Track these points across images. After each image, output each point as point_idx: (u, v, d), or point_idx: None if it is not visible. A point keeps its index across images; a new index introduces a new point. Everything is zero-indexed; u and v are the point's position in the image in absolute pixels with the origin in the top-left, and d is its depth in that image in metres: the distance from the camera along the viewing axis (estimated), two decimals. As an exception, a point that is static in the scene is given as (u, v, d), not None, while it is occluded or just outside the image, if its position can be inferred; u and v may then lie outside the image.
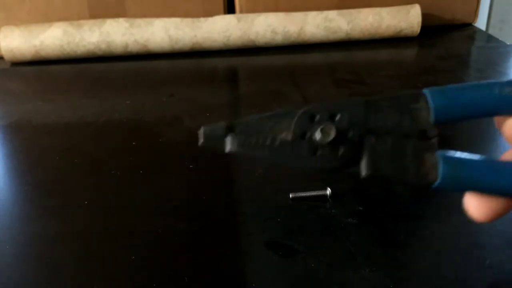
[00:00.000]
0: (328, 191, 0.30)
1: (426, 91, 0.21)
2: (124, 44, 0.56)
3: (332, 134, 0.20)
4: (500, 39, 0.61)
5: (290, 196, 0.30)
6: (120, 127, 0.42)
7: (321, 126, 0.20)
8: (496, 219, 0.20)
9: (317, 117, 0.21)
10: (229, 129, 0.22)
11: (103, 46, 0.55)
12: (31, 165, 0.37)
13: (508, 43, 0.59)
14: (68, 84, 0.52)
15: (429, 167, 0.20)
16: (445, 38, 0.61)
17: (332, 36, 0.58)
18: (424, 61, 0.56)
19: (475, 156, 0.20)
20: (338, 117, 0.20)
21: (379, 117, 0.20)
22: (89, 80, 0.53)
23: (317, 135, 0.20)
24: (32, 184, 0.34)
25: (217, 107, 0.45)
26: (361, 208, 0.29)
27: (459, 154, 0.20)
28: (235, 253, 0.27)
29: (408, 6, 0.59)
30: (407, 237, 0.27)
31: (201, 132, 0.22)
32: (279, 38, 0.57)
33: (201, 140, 0.22)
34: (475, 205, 0.20)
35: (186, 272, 0.25)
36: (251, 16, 0.57)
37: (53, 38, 0.55)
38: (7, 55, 0.55)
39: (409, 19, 0.58)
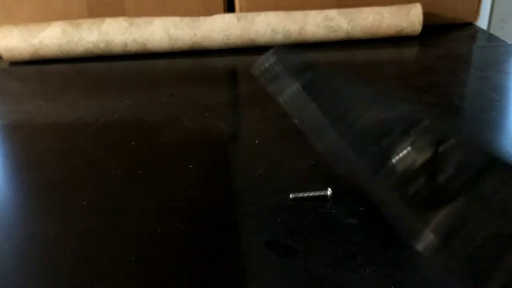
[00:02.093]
0: (329, 191, 0.30)
1: None
2: (123, 43, 0.55)
3: (414, 165, 0.15)
4: (501, 38, 0.61)
5: (291, 196, 0.30)
6: (119, 127, 0.42)
7: (403, 148, 0.15)
8: None
9: (413, 131, 0.15)
10: (299, 74, 0.17)
11: (102, 46, 0.55)
12: (30, 165, 0.37)
13: (509, 42, 0.59)
14: (67, 84, 0.52)
15: None
16: (446, 37, 0.61)
17: (333, 35, 0.58)
18: (425, 60, 0.56)
19: None
20: (445, 149, 0.15)
21: (497, 189, 0.15)
22: (88, 79, 0.53)
23: (399, 154, 0.15)
24: (31, 184, 0.34)
25: (217, 107, 0.44)
26: (361, 208, 0.29)
27: None
28: (235, 253, 0.26)
29: (409, 5, 0.58)
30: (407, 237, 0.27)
31: (272, 53, 0.17)
32: (279, 37, 0.57)
33: (259, 67, 0.17)
34: None
35: (186, 272, 0.25)
36: (251, 15, 0.57)
37: (52, 37, 0.54)
38: (5, 55, 0.55)
39: (410, 18, 0.58)
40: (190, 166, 0.35)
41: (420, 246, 0.14)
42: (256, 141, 0.38)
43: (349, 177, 0.15)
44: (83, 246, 0.28)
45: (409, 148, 0.15)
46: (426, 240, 0.14)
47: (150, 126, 0.41)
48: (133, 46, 0.56)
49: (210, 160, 0.36)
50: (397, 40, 0.59)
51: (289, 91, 0.17)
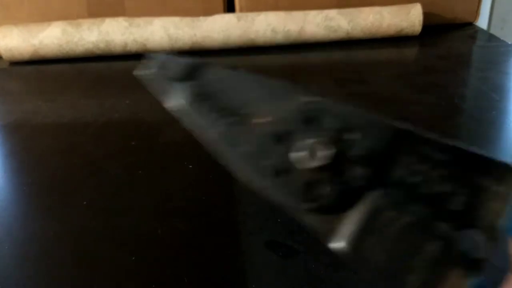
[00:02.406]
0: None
1: None
2: (123, 43, 0.55)
3: (319, 160, 0.13)
4: (501, 38, 0.61)
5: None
6: (119, 127, 0.42)
7: (305, 141, 0.13)
8: None
9: (316, 123, 0.14)
10: (188, 75, 0.15)
11: (102, 46, 0.55)
12: (30, 165, 0.37)
13: (509, 42, 0.58)
14: (67, 84, 0.52)
15: None
16: (446, 37, 0.61)
17: (333, 35, 0.58)
18: (425, 60, 0.56)
19: None
20: (348, 137, 0.13)
21: (411, 170, 0.13)
22: (88, 79, 0.53)
23: (296, 151, 0.13)
24: (31, 184, 0.34)
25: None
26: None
27: None
28: (235, 253, 0.26)
29: (409, 5, 0.58)
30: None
31: (149, 56, 0.15)
32: (279, 37, 0.57)
33: (143, 71, 0.15)
34: None
35: (186, 272, 0.25)
36: (251, 15, 0.57)
37: (52, 37, 0.54)
38: (5, 55, 0.55)
39: (410, 18, 0.58)
40: (190, 166, 0.35)
41: (336, 252, 0.13)
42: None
43: (251, 184, 0.14)
44: (83, 246, 0.27)
45: (310, 145, 0.13)
46: (336, 248, 0.13)
47: (150, 126, 0.41)
48: (133, 46, 0.56)
49: (210, 160, 0.35)
50: (397, 40, 0.59)
51: (177, 100, 0.15)
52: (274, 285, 0.24)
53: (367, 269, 0.13)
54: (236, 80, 0.15)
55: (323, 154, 0.13)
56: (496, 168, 0.13)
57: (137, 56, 0.57)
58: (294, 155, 0.13)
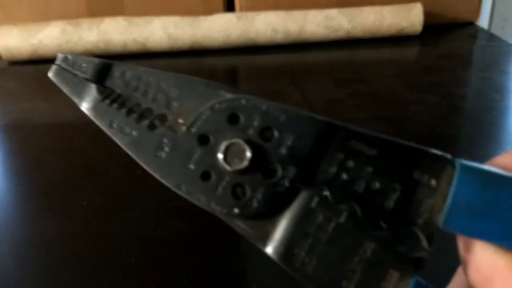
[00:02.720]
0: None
1: (458, 164, 0.12)
2: (123, 43, 0.55)
3: (244, 161, 0.12)
4: (502, 38, 0.60)
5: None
6: (119, 127, 0.41)
7: (230, 142, 0.13)
8: None
9: (241, 121, 0.13)
10: (101, 74, 0.14)
11: (102, 45, 0.55)
12: (30, 165, 0.36)
13: (510, 42, 0.58)
14: (67, 83, 0.52)
15: None
16: (447, 37, 0.61)
17: (333, 35, 0.58)
18: (426, 60, 0.56)
19: None
20: (275, 135, 0.13)
21: (342, 167, 0.12)
22: (88, 79, 0.53)
23: (220, 154, 0.13)
24: (30, 184, 0.34)
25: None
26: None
27: None
28: (235, 253, 0.26)
29: (410, 5, 0.58)
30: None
31: (59, 57, 0.14)
32: (279, 37, 0.57)
33: (54, 69, 0.14)
34: None
35: (186, 273, 0.25)
36: (251, 14, 0.57)
37: (51, 37, 0.54)
38: (5, 54, 0.55)
39: (410, 17, 0.58)
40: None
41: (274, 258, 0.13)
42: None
43: (177, 190, 0.14)
44: (83, 246, 0.27)
45: (235, 145, 0.12)
46: (270, 253, 0.13)
47: (149, 126, 0.41)
48: (132, 46, 0.56)
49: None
50: (397, 39, 0.59)
51: (89, 101, 0.14)
52: (274, 286, 0.24)
53: (302, 275, 0.12)
54: (153, 79, 0.14)
55: (248, 155, 0.12)
56: (431, 161, 0.12)
57: (136, 55, 0.57)
58: (219, 157, 0.13)
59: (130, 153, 0.14)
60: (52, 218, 0.30)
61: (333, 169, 0.12)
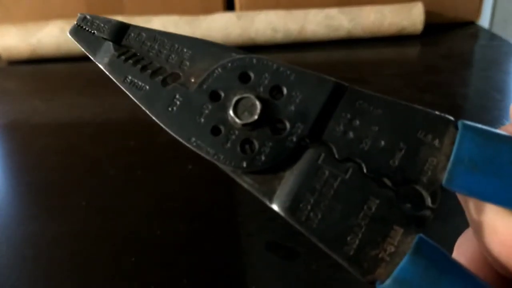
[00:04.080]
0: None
1: (460, 123, 0.12)
2: (123, 42, 0.55)
3: (254, 115, 0.13)
4: (503, 37, 0.60)
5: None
6: (118, 127, 0.41)
7: (241, 96, 0.13)
8: None
9: (252, 79, 0.13)
10: (118, 34, 0.15)
11: (102, 45, 0.55)
12: (28, 165, 0.36)
13: (511, 42, 0.58)
14: (65, 83, 0.52)
15: (387, 254, 0.12)
16: (448, 36, 0.61)
17: (333, 34, 0.57)
18: (427, 59, 0.56)
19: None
20: (284, 93, 0.13)
21: (349, 126, 0.13)
22: (87, 79, 0.53)
23: (231, 107, 0.13)
24: (29, 184, 0.34)
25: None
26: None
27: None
28: (235, 254, 0.26)
29: (411, 4, 0.58)
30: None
31: (79, 17, 0.15)
32: (279, 36, 0.57)
33: (72, 28, 0.15)
34: None
35: (186, 273, 0.25)
36: (251, 13, 0.56)
37: (50, 36, 0.54)
38: (4, 54, 0.55)
39: (411, 17, 0.58)
40: (190, 166, 0.34)
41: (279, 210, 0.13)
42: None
43: (188, 144, 0.14)
44: (82, 246, 0.27)
45: (246, 101, 0.13)
46: (276, 208, 0.13)
47: (149, 125, 0.41)
48: (132, 45, 0.56)
49: (209, 160, 0.35)
50: (398, 39, 0.59)
51: (106, 57, 0.15)
52: (274, 286, 0.24)
53: (307, 229, 0.12)
54: (167, 40, 0.14)
55: (258, 109, 0.13)
56: (434, 122, 0.12)
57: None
58: (230, 110, 0.13)
59: (142, 106, 0.14)
60: (51, 218, 0.30)
61: (340, 128, 0.13)
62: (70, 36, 0.15)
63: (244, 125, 0.13)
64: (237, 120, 0.13)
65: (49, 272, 0.26)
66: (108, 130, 0.41)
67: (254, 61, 0.13)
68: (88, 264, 0.26)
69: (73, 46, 0.54)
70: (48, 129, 0.42)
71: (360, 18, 0.57)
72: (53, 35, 0.54)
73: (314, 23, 0.57)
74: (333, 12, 0.57)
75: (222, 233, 0.28)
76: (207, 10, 0.58)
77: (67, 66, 0.55)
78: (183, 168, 0.34)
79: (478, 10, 0.64)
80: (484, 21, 0.71)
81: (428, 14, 0.59)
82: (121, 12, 0.58)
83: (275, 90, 0.13)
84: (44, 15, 0.57)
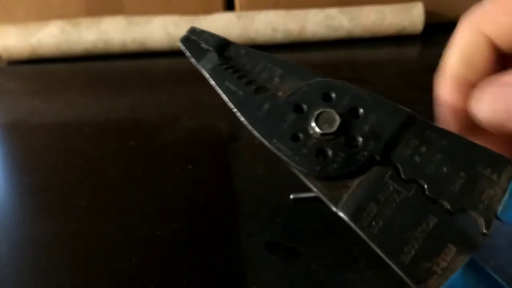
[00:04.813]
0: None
1: None
2: (122, 42, 0.55)
3: (333, 127, 0.15)
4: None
5: (291, 196, 0.30)
6: (118, 127, 0.41)
7: (323, 110, 0.15)
8: None
9: (333, 98, 0.15)
10: (221, 47, 0.17)
11: (101, 45, 0.55)
12: (28, 166, 0.36)
13: (511, 41, 0.58)
14: (65, 83, 0.52)
15: (440, 268, 0.13)
16: (448, 36, 0.60)
17: (334, 34, 0.57)
18: (427, 59, 0.55)
19: None
20: (361, 114, 0.15)
21: (416, 151, 0.14)
22: (87, 79, 0.53)
23: (313, 118, 0.15)
24: (28, 184, 0.34)
25: (216, 107, 0.44)
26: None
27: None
28: (235, 254, 0.26)
29: (411, 4, 0.58)
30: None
31: (192, 29, 0.18)
32: (279, 36, 0.57)
33: (183, 37, 0.19)
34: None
35: (185, 273, 0.25)
36: (251, 13, 0.56)
37: (50, 36, 0.54)
38: (3, 54, 0.55)
39: (411, 17, 0.58)
40: (190, 166, 0.34)
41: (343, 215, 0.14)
42: (256, 141, 0.38)
43: (267, 146, 0.15)
44: (82, 246, 0.27)
45: (326, 115, 0.15)
46: (341, 213, 0.14)
47: (149, 126, 0.41)
48: (132, 45, 0.56)
49: (210, 160, 0.35)
50: (398, 39, 0.59)
51: (208, 64, 0.17)
52: (274, 286, 0.24)
53: (368, 235, 0.14)
54: (262, 59, 0.17)
55: (337, 122, 0.14)
56: (495, 159, 0.14)
57: (136, 55, 0.57)
58: (311, 120, 0.15)
59: (235, 108, 0.16)
60: (51, 218, 0.30)
61: (407, 151, 0.14)
62: (180, 43, 0.19)
63: (322, 134, 0.15)
64: (317, 129, 0.15)
65: (49, 272, 0.26)
66: (108, 130, 0.41)
67: (338, 84, 0.15)
68: (88, 264, 0.26)
69: (73, 46, 0.55)
70: (48, 129, 0.42)
71: (360, 18, 0.57)
72: (53, 35, 0.54)
73: (314, 23, 0.57)
74: (333, 12, 0.57)
75: (222, 233, 0.28)
76: (207, 10, 0.58)
77: (67, 66, 0.55)
78: (183, 168, 0.34)
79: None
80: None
81: (428, 14, 0.59)
82: (121, 12, 0.58)
83: (353, 110, 0.15)
84: (44, 15, 0.57)
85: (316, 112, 0.15)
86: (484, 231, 0.13)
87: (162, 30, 0.55)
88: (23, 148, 0.39)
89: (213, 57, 0.17)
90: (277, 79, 0.16)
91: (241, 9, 0.60)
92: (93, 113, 0.43)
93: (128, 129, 0.41)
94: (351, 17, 0.57)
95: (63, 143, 0.39)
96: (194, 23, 0.55)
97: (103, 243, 0.27)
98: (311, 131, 0.15)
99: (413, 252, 0.13)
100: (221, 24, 0.56)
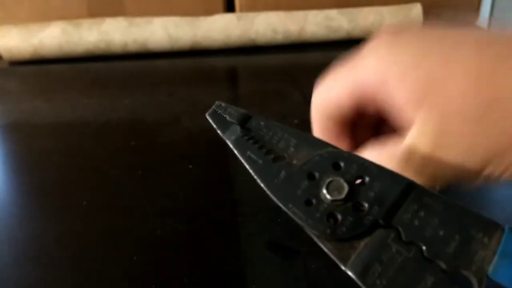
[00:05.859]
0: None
1: (507, 227, 0.15)
2: (123, 43, 0.55)
3: (342, 194, 0.16)
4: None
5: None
6: (119, 127, 0.41)
7: (333, 179, 0.16)
8: None
9: (342, 167, 0.17)
10: (243, 120, 0.19)
11: (102, 45, 0.55)
12: (29, 166, 0.36)
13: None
14: (66, 84, 0.52)
15: None
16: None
17: (333, 35, 0.58)
18: (426, 60, 0.56)
19: None
20: (366, 181, 0.16)
21: (415, 216, 0.15)
22: (88, 79, 0.53)
23: (324, 185, 0.16)
24: (30, 184, 0.34)
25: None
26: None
27: None
28: (235, 254, 0.26)
29: (409, 5, 0.58)
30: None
31: (217, 104, 0.20)
32: (279, 37, 0.57)
33: (210, 111, 0.21)
34: None
35: (186, 273, 0.25)
36: (251, 15, 0.57)
37: (52, 37, 0.54)
38: (5, 55, 0.55)
39: (410, 18, 0.58)
40: (190, 166, 0.34)
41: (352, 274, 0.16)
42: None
43: (284, 209, 0.17)
44: (82, 246, 0.27)
45: (336, 183, 0.16)
46: (349, 271, 0.16)
47: (149, 126, 0.41)
48: (133, 46, 0.56)
49: (210, 160, 0.35)
50: (397, 40, 0.59)
51: (232, 136, 0.19)
52: (275, 287, 0.24)
53: None
54: (279, 130, 0.19)
55: (346, 190, 0.16)
56: (486, 224, 0.15)
57: (137, 56, 0.57)
58: (323, 190, 0.16)
59: (255, 176, 0.18)
60: (52, 218, 0.30)
61: (408, 216, 0.16)
62: (207, 116, 0.21)
63: (333, 201, 0.16)
64: (328, 196, 0.16)
65: (50, 271, 0.26)
66: (108, 130, 0.41)
67: (345, 155, 0.17)
68: (88, 263, 0.26)
69: (75, 47, 0.55)
70: (49, 129, 0.42)
71: (359, 19, 0.57)
72: (55, 36, 0.54)
73: (314, 24, 0.57)
74: (333, 13, 0.57)
75: (222, 233, 0.28)
76: (208, 11, 0.58)
77: (69, 66, 0.55)
78: (183, 168, 0.34)
79: (476, 11, 0.64)
80: (482, 23, 0.71)
81: (427, 15, 0.59)
82: (122, 13, 0.58)
83: (359, 178, 0.16)
84: (46, 15, 0.57)
85: (327, 180, 0.16)
86: None
87: (162, 31, 0.55)
88: (24, 148, 0.39)
89: (236, 129, 0.19)
90: (292, 149, 0.18)
91: (241, 10, 0.60)
92: (94, 113, 0.44)
93: (128, 129, 0.41)
94: (351, 18, 0.57)
95: (64, 143, 0.39)
96: (194, 24, 0.56)
97: (104, 243, 0.28)
98: (323, 197, 0.16)
99: None
100: (221, 25, 0.56)
